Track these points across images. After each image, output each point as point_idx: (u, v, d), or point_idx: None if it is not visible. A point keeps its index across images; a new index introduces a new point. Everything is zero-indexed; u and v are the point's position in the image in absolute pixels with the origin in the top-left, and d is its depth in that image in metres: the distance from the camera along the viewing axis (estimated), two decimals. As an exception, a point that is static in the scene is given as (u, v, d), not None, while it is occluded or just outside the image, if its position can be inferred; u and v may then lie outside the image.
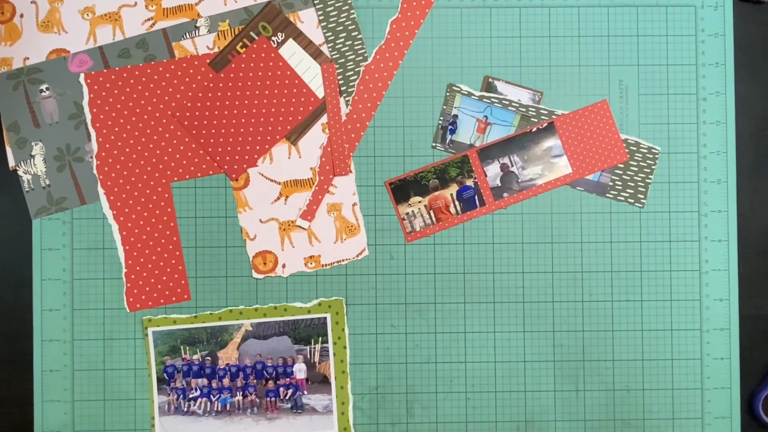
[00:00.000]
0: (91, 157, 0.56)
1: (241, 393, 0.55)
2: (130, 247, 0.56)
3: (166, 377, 0.55)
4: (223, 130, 0.56)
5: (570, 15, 0.58)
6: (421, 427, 0.57)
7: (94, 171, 0.56)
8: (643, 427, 0.57)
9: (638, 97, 0.58)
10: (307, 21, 0.57)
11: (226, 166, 0.57)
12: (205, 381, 0.55)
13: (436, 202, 0.57)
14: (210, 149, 0.57)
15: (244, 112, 0.57)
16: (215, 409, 0.55)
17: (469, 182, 0.57)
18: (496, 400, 0.57)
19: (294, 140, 0.57)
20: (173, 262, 0.56)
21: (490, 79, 0.58)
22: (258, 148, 0.57)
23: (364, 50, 0.57)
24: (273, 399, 0.55)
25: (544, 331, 0.58)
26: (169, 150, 0.56)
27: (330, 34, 0.57)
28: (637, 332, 0.58)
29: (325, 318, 0.55)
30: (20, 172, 0.56)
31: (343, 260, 0.57)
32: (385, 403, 0.57)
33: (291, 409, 0.55)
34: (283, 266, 0.57)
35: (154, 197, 0.56)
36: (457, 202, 0.57)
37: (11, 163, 0.56)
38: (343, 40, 0.57)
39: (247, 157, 0.57)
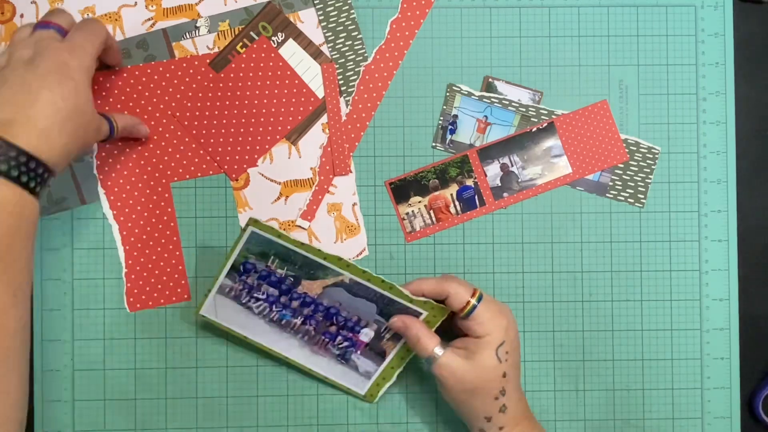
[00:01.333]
0: (91, 157, 0.56)
1: (302, 319, 0.55)
2: (130, 247, 0.56)
3: (242, 269, 0.53)
4: (223, 130, 0.56)
5: (570, 15, 0.58)
6: (422, 427, 0.57)
7: (94, 171, 0.56)
8: (643, 427, 0.57)
9: (638, 97, 0.58)
10: (307, 21, 0.57)
11: (226, 166, 0.57)
12: (276, 292, 0.54)
13: (436, 202, 0.57)
14: (210, 149, 0.57)
15: (244, 112, 0.56)
16: (271, 317, 0.54)
17: (469, 182, 0.57)
18: (496, 400, 0.57)
19: (294, 140, 0.57)
20: (173, 262, 0.56)
21: (490, 79, 0.58)
22: (258, 148, 0.57)
23: (364, 50, 0.57)
24: (326, 339, 0.55)
25: (544, 331, 0.57)
26: (169, 150, 0.56)
27: (330, 34, 0.57)
28: (637, 332, 0.58)
29: (420, 313, 0.53)
30: (20, 172, 0.56)
31: (343, 260, 0.57)
32: (385, 403, 0.57)
33: (336, 357, 0.55)
34: (283, 266, 0.57)
35: (154, 197, 0.56)
36: (457, 202, 0.57)
37: (11, 163, 0.56)
38: (343, 40, 0.57)
39: (247, 157, 0.57)
